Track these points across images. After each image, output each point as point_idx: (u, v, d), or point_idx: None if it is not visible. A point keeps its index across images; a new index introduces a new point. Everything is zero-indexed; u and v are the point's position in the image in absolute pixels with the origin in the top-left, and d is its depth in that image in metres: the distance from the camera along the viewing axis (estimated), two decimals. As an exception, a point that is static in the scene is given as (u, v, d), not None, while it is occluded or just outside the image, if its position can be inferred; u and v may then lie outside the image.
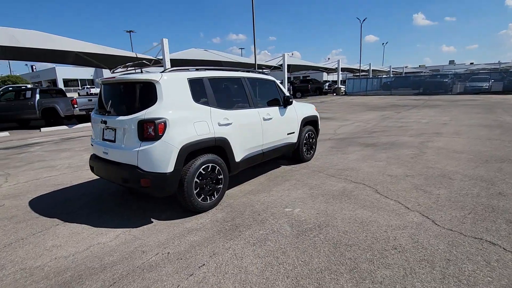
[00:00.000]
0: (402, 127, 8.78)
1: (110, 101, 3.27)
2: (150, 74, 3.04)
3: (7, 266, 2.43)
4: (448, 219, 2.92)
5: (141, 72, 3.25)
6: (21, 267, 2.42)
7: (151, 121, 2.86)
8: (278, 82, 4.63)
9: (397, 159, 5.20)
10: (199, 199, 3.23)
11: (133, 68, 16.15)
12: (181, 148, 2.96)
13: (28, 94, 12.13)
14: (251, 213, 3.26)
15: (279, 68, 22.26)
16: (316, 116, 5.42)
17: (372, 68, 40.60)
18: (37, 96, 11.88)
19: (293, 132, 4.79)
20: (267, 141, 4.19)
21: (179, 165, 2.97)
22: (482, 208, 3.13)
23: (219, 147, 3.42)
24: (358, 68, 36.03)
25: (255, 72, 4.41)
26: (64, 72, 46.67)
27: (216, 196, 3.43)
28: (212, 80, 3.52)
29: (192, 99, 3.21)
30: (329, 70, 34.41)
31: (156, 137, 2.87)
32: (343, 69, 37.44)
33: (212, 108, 3.38)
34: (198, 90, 3.32)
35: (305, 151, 5.18)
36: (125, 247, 2.66)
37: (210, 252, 2.53)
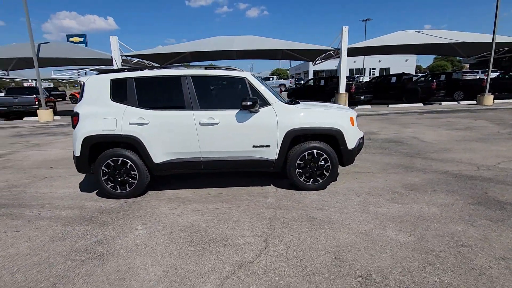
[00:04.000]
0: None
1: None
2: (88, 76, 3.75)
3: (21, 182, 4.31)
4: None
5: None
6: (22, 189, 4.20)
7: (71, 114, 3.64)
8: (252, 80, 3.58)
9: (475, 242, 2.40)
10: (108, 186, 3.65)
11: (325, 59, 16.51)
12: (84, 138, 3.50)
13: None
14: (122, 216, 3.23)
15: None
16: (331, 130, 3.56)
17: None
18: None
19: (268, 146, 3.58)
20: (209, 149, 3.57)
21: (84, 152, 3.55)
22: None
23: (131, 144, 3.55)
24: None
25: (222, 69, 3.72)
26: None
27: (128, 189, 3.66)
28: (139, 79, 3.59)
29: (109, 98, 3.57)
30: None
31: (74, 127, 3.62)
32: None
33: (128, 107, 3.53)
34: (120, 90, 3.58)
35: (299, 175, 3.68)
36: (48, 199, 3.75)
37: (34, 228, 3.01)
